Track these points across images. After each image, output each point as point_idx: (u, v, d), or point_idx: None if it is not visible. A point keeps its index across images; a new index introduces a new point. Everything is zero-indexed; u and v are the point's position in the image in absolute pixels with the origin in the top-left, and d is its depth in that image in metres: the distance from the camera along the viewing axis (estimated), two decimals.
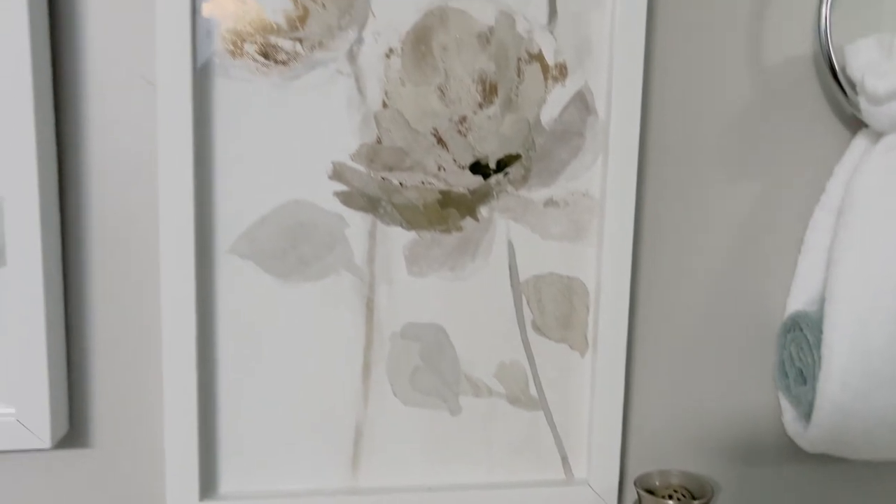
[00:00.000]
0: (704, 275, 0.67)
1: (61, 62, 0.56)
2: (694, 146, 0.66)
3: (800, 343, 0.65)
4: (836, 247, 0.62)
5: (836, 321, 0.60)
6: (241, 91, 0.58)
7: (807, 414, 0.64)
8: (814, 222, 0.67)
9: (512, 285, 0.63)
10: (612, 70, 0.61)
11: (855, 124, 0.66)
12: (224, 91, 0.57)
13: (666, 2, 0.63)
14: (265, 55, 0.58)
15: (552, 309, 0.64)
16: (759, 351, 0.69)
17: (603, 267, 0.63)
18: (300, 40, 0.58)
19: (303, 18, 0.58)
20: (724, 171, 0.67)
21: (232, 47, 0.57)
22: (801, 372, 0.65)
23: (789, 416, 0.68)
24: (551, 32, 0.61)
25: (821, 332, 0.61)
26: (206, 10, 0.56)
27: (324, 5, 0.58)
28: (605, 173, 0.62)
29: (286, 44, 0.58)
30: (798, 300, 0.67)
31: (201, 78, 0.57)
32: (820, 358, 0.61)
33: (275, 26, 0.57)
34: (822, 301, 0.63)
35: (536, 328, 0.64)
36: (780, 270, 0.69)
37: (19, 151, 0.54)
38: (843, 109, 0.66)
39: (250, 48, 0.57)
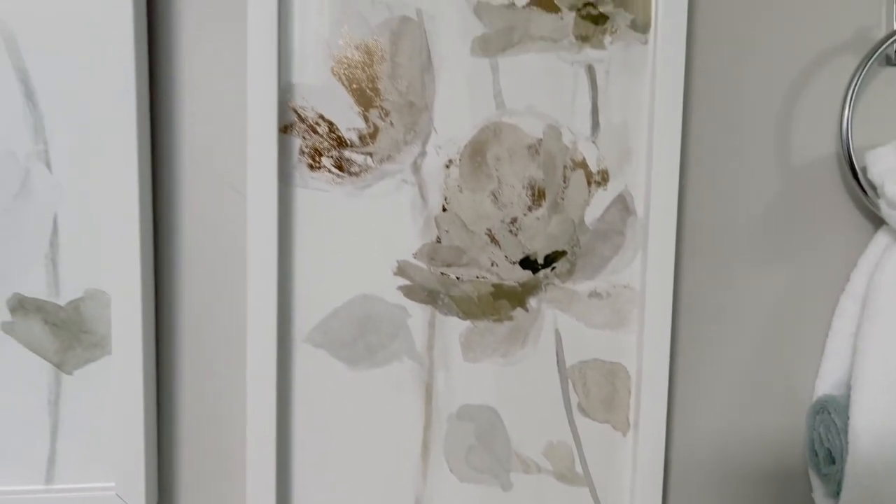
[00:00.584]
0: (738, 356, 0.73)
1: (161, 173, 0.64)
2: (726, 239, 0.71)
3: (828, 425, 0.69)
4: (861, 336, 0.67)
5: (862, 408, 0.65)
6: (318, 199, 0.65)
7: (836, 493, 0.69)
8: (840, 310, 0.72)
9: (559, 370, 0.69)
10: (650, 175, 0.67)
11: (878, 219, 0.71)
12: (304, 199, 0.65)
13: (700, 106, 0.70)
14: (340, 168, 0.65)
15: (596, 392, 0.70)
16: (791, 430, 0.74)
17: (643, 353, 0.69)
18: (371, 154, 0.65)
19: (373, 135, 0.65)
20: (754, 262, 0.72)
21: (311, 161, 0.65)
22: (830, 452, 0.69)
23: (820, 493, 0.72)
24: (594, 143, 0.68)
25: (847, 416, 0.66)
26: (289, 129, 0.64)
27: (392, 123, 0.65)
28: (645, 268, 0.68)
29: (359, 157, 0.65)
30: (826, 383, 0.72)
31: (284, 188, 0.64)
32: (847, 442, 0.65)
33: (349, 142, 0.65)
34: (848, 386, 0.68)
35: (582, 410, 0.70)
36: (809, 353, 0.73)
37: (125, 255, 0.61)
38: (867, 206, 0.71)
39: (327, 161, 0.65)
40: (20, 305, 0.63)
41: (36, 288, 0.63)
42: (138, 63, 0.60)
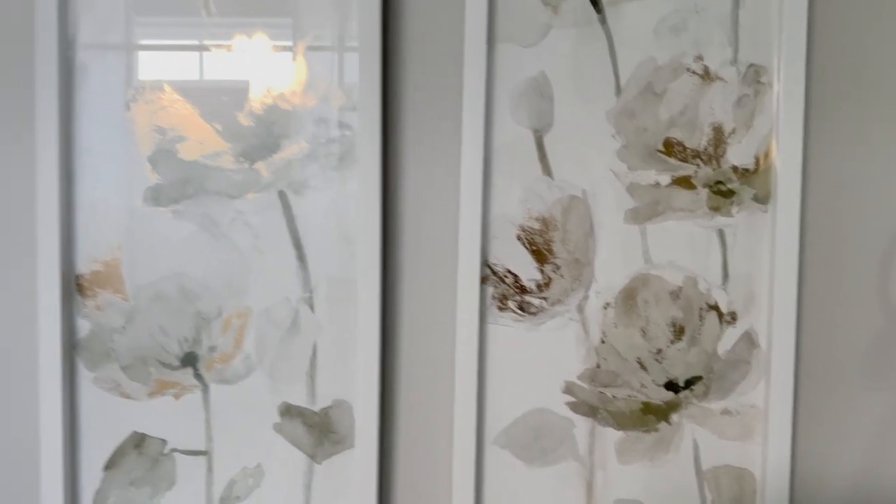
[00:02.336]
0: (850, 467, 0.86)
1: (390, 313, 0.86)
2: (837, 367, 0.86)
3: None
4: None
5: None
6: (505, 333, 0.85)
7: None
8: None
9: (696, 473, 0.85)
10: (771, 316, 0.84)
11: None
12: (495, 333, 0.85)
13: (812, 258, 0.85)
14: (521, 309, 0.85)
15: (727, 492, 0.85)
16: None
17: (767, 461, 0.84)
18: (545, 299, 0.85)
19: (548, 284, 0.85)
20: (862, 386, 0.86)
21: (500, 304, 0.85)
22: None
23: None
24: (724, 290, 0.85)
25: None
26: (485, 280, 0.84)
27: (562, 275, 0.85)
28: (768, 391, 0.84)
29: (536, 301, 0.85)
30: None
31: (481, 324, 0.84)
32: None
33: (529, 290, 0.85)
34: None
35: None
36: None
37: (365, 375, 0.83)
38: None
39: (512, 304, 0.85)
40: (287, 411, 0.85)
41: (298, 398, 0.85)
42: (381, 240, 0.82)
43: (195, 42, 0.84)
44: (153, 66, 0.84)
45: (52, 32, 0.81)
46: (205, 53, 0.84)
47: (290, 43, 0.83)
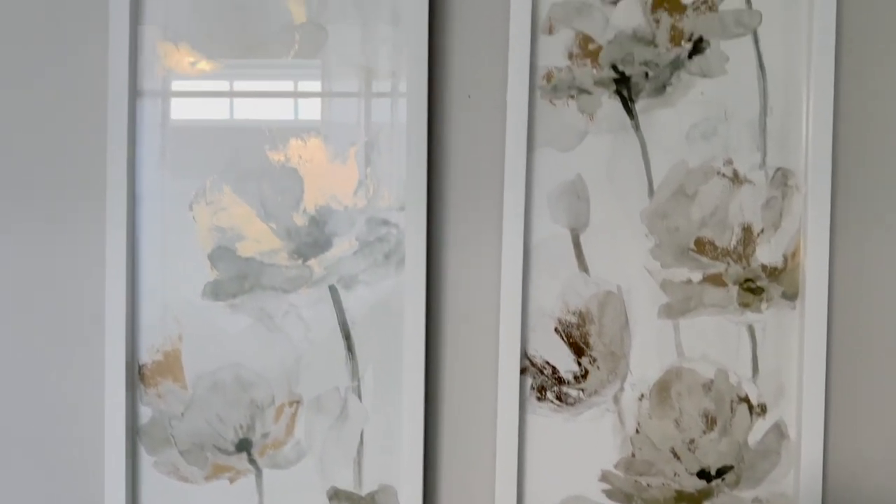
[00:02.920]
0: None
1: (433, 401, 0.90)
2: (865, 459, 0.89)
3: None
4: None
5: None
6: (543, 422, 0.89)
7: None
8: None
9: None
10: (800, 408, 0.87)
11: None
12: (533, 422, 0.89)
13: (839, 355, 0.89)
14: (559, 399, 0.89)
15: None
16: None
17: None
18: (582, 390, 0.89)
19: (584, 376, 0.89)
20: (890, 476, 0.89)
21: (538, 394, 0.89)
22: None
23: None
24: (755, 383, 0.88)
25: None
26: (525, 371, 0.89)
27: (598, 367, 0.89)
28: (797, 480, 0.87)
29: (573, 392, 0.89)
30: None
31: (521, 414, 0.88)
32: None
33: (566, 381, 0.89)
34: None
35: None
36: None
37: (409, 461, 0.87)
38: None
39: (550, 395, 0.89)
40: (335, 495, 0.89)
41: (346, 482, 0.89)
42: (425, 332, 0.87)
43: (256, 147, 0.90)
44: (215, 167, 0.89)
45: (121, 149, 0.87)
46: (263, 158, 0.89)
47: (343, 148, 0.89)
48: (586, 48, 0.88)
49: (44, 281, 0.91)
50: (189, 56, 0.89)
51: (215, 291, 0.89)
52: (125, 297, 0.88)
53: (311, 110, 0.90)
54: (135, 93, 0.88)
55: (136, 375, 0.89)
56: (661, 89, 0.88)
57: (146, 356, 0.90)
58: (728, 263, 0.88)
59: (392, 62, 0.88)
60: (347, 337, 0.89)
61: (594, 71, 0.88)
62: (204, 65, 0.89)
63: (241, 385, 0.89)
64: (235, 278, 0.89)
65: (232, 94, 0.90)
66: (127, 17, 0.87)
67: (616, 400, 0.89)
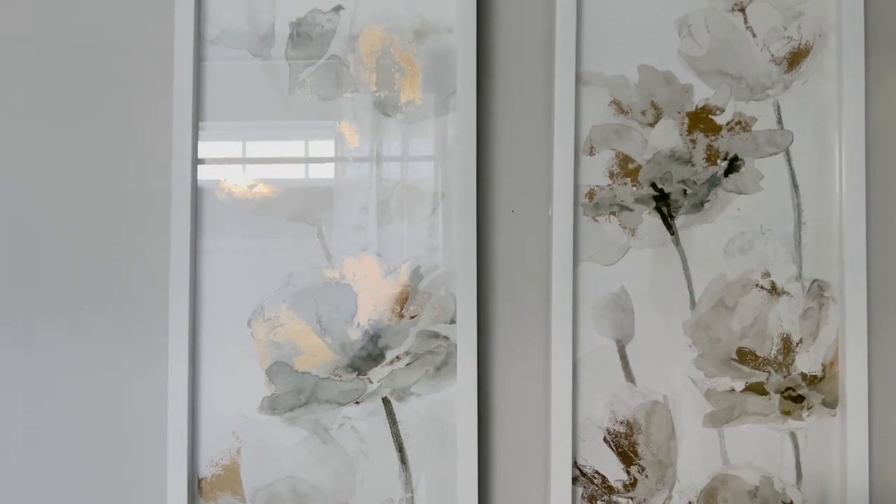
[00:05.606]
0: None
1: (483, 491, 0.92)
2: None
3: None
4: None
5: None
6: None
7: None
8: None
9: None
10: None
11: None
12: None
13: (881, 457, 0.91)
14: None
15: None
16: None
17: None
18: (632, 498, 0.91)
19: (633, 484, 0.91)
20: None
21: (589, 503, 0.91)
22: None
23: None
24: (798, 489, 0.90)
25: None
26: (575, 481, 0.91)
27: (647, 476, 0.91)
28: None
29: (623, 501, 0.91)
30: None
31: None
32: None
33: (616, 490, 0.91)
34: None
35: None
36: None
37: None
38: None
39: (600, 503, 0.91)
40: None
41: None
42: (477, 444, 0.90)
43: (311, 265, 0.93)
44: (272, 285, 0.93)
45: (184, 269, 0.91)
46: (318, 275, 0.93)
47: (394, 265, 0.92)
48: (626, 167, 0.93)
49: (107, 395, 0.93)
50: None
51: (273, 406, 0.92)
52: (186, 412, 0.90)
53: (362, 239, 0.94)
54: (196, 215, 0.92)
55: (196, 489, 0.91)
56: (699, 206, 0.92)
57: (205, 470, 0.92)
58: (769, 373, 0.91)
59: (443, 184, 0.93)
60: (401, 449, 0.92)
61: (634, 189, 0.92)
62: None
63: (298, 497, 0.91)
64: (292, 393, 0.92)
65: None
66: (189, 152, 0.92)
67: None
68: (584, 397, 0.92)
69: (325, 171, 0.94)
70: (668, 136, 0.93)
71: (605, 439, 0.92)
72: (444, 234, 0.93)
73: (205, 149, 0.93)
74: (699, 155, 0.93)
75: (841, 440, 0.90)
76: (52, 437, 0.93)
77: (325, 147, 0.95)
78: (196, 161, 0.93)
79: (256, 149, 0.95)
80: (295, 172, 0.95)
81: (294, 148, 0.95)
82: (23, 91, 0.94)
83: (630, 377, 0.92)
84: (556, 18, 0.92)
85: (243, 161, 0.94)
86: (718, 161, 0.93)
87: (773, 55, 0.93)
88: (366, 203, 0.93)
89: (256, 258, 0.93)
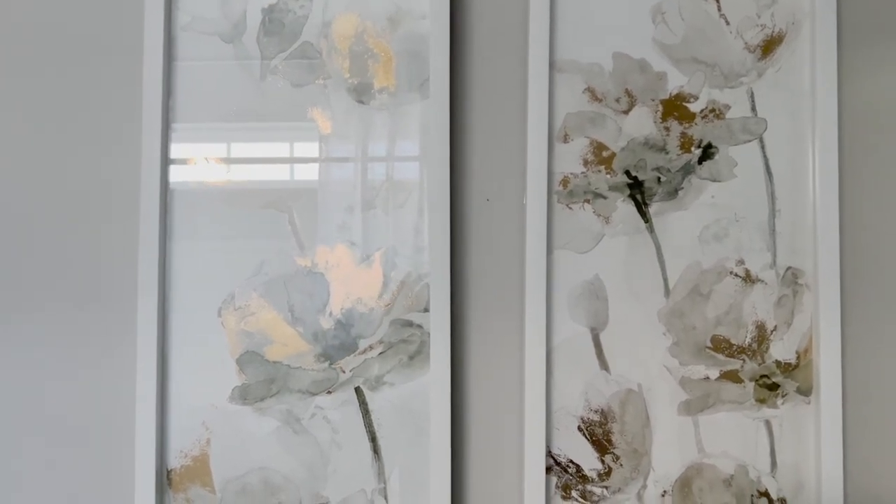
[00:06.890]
0: None
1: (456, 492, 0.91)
2: None
3: None
4: None
5: None
6: None
7: None
8: None
9: None
10: (819, 502, 0.88)
11: None
12: None
13: (855, 444, 0.91)
14: (584, 497, 0.90)
15: None
16: None
17: None
18: (606, 487, 0.90)
19: (608, 474, 0.90)
20: None
21: (563, 493, 0.90)
22: None
23: None
24: (773, 477, 0.90)
25: None
26: (549, 471, 0.90)
27: (621, 465, 0.90)
28: None
29: (597, 490, 0.90)
30: None
31: None
32: None
33: (590, 479, 0.90)
34: None
35: None
36: None
37: None
38: None
39: (575, 493, 0.90)
40: None
41: None
42: (450, 433, 0.89)
43: (282, 253, 0.92)
44: (242, 274, 0.92)
45: (153, 257, 0.90)
46: (290, 263, 0.92)
47: (367, 254, 0.91)
48: (600, 155, 0.92)
49: (74, 386, 0.92)
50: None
51: (243, 395, 0.91)
52: (155, 402, 0.89)
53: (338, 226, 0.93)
54: (165, 195, 0.91)
55: (165, 481, 0.90)
56: (673, 193, 0.92)
57: (175, 461, 0.90)
58: (744, 360, 0.91)
59: (417, 172, 0.92)
60: (373, 439, 0.91)
61: (608, 176, 0.92)
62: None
63: (269, 489, 0.90)
64: (263, 382, 0.91)
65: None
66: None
67: (639, 497, 0.90)
68: (558, 386, 0.91)
69: (300, 160, 0.93)
70: (642, 123, 0.92)
71: (579, 428, 0.91)
72: (417, 223, 0.92)
73: (176, 136, 0.92)
74: (673, 142, 0.92)
75: (815, 428, 0.90)
76: (19, 429, 0.92)
77: (297, 135, 0.94)
78: (166, 148, 0.91)
79: (230, 136, 0.94)
80: (268, 160, 0.94)
81: (267, 134, 0.94)
82: None
83: (604, 365, 0.91)
84: (530, 5, 0.92)
85: (216, 145, 0.93)
86: (692, 148, 0.92)
87: (746, 43, 0.93)
88: (339, 192, 0.92)
89: (227, 246, 0.92)
